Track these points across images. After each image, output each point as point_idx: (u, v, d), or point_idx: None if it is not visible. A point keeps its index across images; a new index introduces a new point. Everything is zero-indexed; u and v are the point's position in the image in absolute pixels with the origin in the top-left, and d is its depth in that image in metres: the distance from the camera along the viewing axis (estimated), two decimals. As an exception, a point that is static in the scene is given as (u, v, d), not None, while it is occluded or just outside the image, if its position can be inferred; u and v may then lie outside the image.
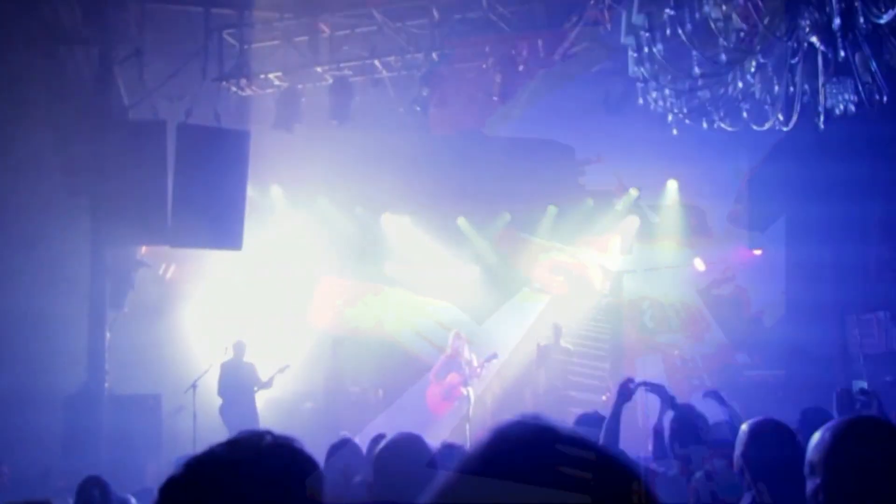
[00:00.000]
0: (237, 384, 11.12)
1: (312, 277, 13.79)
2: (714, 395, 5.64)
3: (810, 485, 2.30)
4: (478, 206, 13.97)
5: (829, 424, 2.36)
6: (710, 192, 13.51)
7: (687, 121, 6.87)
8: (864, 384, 10.38)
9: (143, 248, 11.08)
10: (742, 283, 13.56)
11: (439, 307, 13.96)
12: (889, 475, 2.16)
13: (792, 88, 6.33)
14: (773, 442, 3.43)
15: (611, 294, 14.11)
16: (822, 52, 6.05)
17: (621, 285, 14.22)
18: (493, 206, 13.99)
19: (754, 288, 13.42)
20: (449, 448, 4.55)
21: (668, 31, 5.77)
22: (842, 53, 5.51)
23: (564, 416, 11.65)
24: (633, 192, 14.21)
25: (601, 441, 4.82)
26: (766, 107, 6.63)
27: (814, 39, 5.85)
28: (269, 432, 1.62)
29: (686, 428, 4.53)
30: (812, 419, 4.97)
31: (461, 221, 14.25)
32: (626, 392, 4.89)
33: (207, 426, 10.47)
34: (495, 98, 10.08)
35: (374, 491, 3.00)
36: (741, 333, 13.08)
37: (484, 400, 12.47)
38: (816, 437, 2.33)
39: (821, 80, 6.26)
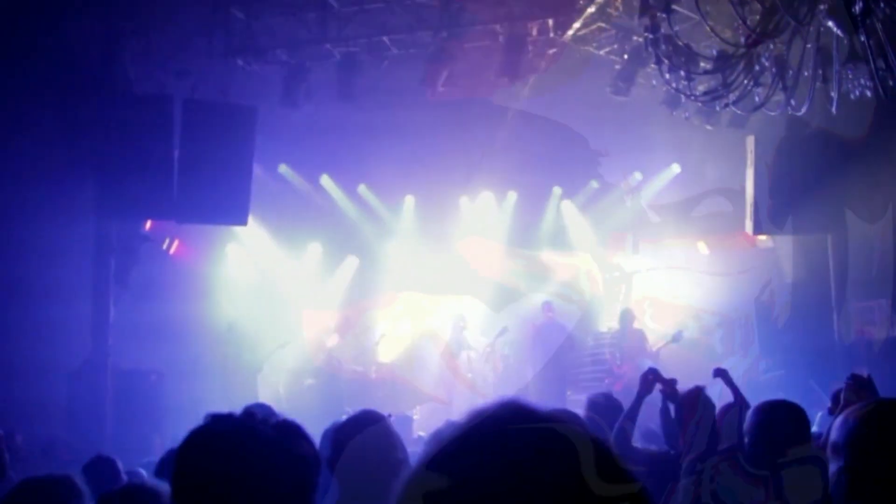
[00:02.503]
0: (239, 359, 11.18)
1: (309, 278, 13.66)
2: (722, 374, 5.59)
3: (833, 466, 2.31)
4: (484, 186, 14.01)
5: (855, 407, 2.37)
6: (711, 190, 13.54)
7: (699, 103, 6.84)
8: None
9: (148, 223, 11.06)
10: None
11: (452, 304, 13.86)
12: (916, 460, 2.16)
13: (806, 73, 6.31)
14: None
15: (625, 297, 14.04)
16: (838, 37, 6.02)
17: (631, 285, 14.22)
18: (499, 186, 13.99)
19: (750, 286, 13.37)
20: (453, 427, 4.55)
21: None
22: (862, 38, 5.46)
23: (562, 399, 11.76)
24: (637, 175, 14.20)
25: (613, 438, 4.79)
26: (780, 91, 6.60)
27: (830, 24, 5.83)
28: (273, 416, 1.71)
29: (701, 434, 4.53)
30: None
31: (463, 200, 14.24)
32: (646, 385, 4.91)
33: (210, 400, 10.51)
34: (505, 78, 10.01)
35: (333, 468, 3.01)
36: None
37: (488, 381, 12.53)
38: (842, 418, 2.33)
39: (835, 65, 6.24)
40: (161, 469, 3.87)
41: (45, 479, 3.17)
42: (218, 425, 1.70)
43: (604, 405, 5.26)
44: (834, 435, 2.32)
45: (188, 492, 1.65)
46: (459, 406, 11.66)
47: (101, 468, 4.76)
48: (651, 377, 4.91)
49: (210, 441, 1.65)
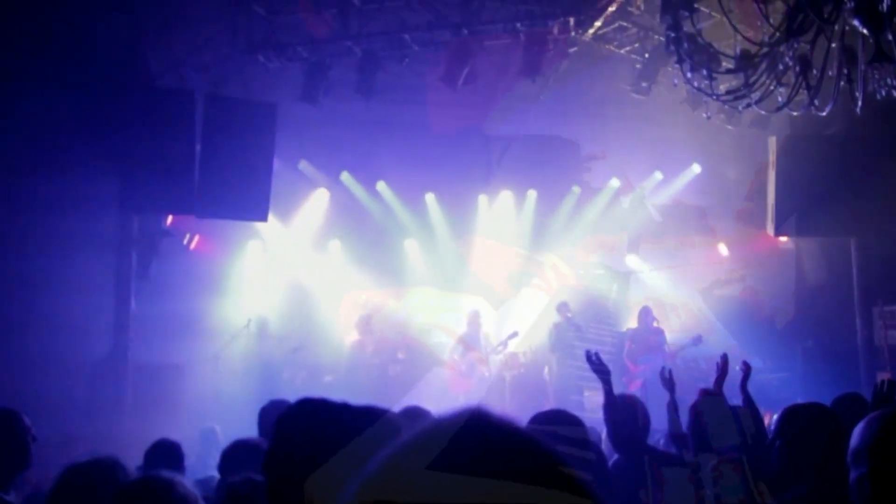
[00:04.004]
0: (261, 356, 11.23)
1: (335, 269, 13.74)
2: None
3: (854, 473, 2.27)
4: (504, 185, 14.03)
5: (878, 414, 2.33)
6: (715, 191, 13.48)
7: (721, 102, 6.77)
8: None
9: (169, 218, 11.12)
10: (752, 283, 13.50)
11: (459, 299, 13.92)
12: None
13: (830, 73, 6.22)
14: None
15: (618, 294, 14.04)
16: (864, 36, 5.94)
17: (628, 286, 14.19)
18: (519, 184, 14.02)
19: (766, 288, 13.28)
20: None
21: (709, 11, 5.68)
22: (889, 38, 5.37)
23: (572, 401, 11.76)
24: (658, 175, 14.14)
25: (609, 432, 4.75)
26: (803, 91, 6.52)
27: (855, 22, 5.74)
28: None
29: (700, 436, 4.51)
30: (847, 406, 4.91)
31: (481, 199, 14.28)
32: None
33: (230, 395, 10.56)
34: (525, 76, 9.99)
35: None
36: (748, 335, 12.91)
37: (502, 379, 12.50)
38: (863, 425, 2.29)
39: (860, 64, 6.15)
40: (226, 463, 3.95)
41: (92, 463, 3.22)
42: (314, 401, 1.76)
43: (621, 406, 5.22)
44: (855, 441, 2.29)
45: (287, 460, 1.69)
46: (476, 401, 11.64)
47: (163, 452, 4.75)
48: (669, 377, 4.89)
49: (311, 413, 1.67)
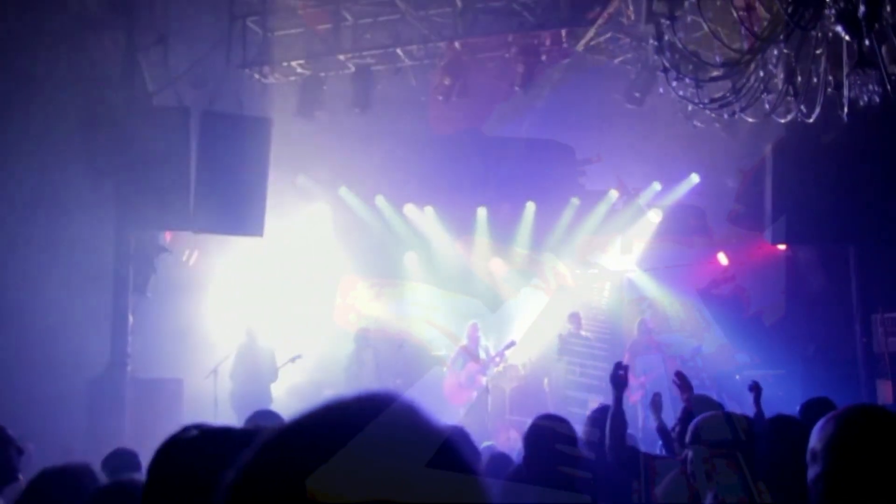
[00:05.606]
0: (250, 369, 11.22)
1: (334, 270, 13.85)
2: (756, 388, 5.62)
3: (811, 472, 2.28)
4: (499, 196, 14.06)
5: (834, 413, 2.34)
6: (710, 192, 13.49)
7: (707, 111, 6.80)
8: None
9: (167, 234, 11.17)
10: (740, 282, 13.52)
11: (458, 300, 14.01)
12: (893, 464, 2.14)
13: (815, 79, 6.23)
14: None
15: (611, 294, 14.08)
16: (847, 43, 5.95)
17: (622, 285, 14.21)
18: (516, 196, 14.06)
19: (753, 286, 13.31)
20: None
21: (689, 19, 5.71)
22: (867, 43, 5.38)
23: (574, 409, 11.74)
24: (656, 186, 14.16)
25: (607, 438, 4.75)
26: (789, 98, 6.53)
27: (838, 29, 5.76)
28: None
29: (691, 430, 4.51)
30: (815, 411, 4.91)
31: (480, 212, 14.32)
32: (619, 381, 4.92)
33: (228, 410, 10.58)
34: (518, 88, 10.04)
35: None
36: (741, 333, 12.91)
37: (502, 390, 12.49)
38: (820, 424, 2.31)
39: (845, 70, 6.16)
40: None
41: (64, 468, 3.25)
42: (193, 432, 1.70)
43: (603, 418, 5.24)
44: (812, 441, 2.30)
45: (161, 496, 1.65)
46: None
47: (121, 460, 4.78)
48: (621, 372, 4.94)
49: (185, 446, 1.65)
